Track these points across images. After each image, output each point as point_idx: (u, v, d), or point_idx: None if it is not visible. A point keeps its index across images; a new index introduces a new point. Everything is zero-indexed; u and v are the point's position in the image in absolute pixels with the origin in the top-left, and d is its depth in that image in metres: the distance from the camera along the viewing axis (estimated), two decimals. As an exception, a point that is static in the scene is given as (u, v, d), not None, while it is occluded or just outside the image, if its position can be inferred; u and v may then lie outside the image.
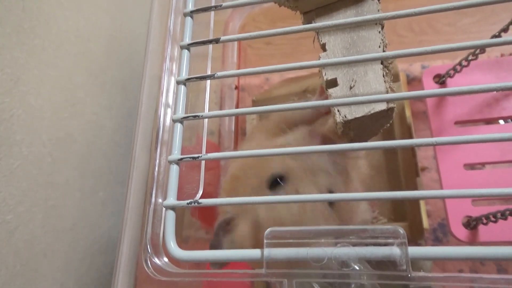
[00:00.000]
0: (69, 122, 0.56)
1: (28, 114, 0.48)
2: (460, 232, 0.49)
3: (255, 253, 0.27)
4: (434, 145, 0.27)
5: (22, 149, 0.47)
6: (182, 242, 0.48)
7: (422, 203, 0.58)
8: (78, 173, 0.58)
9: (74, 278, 0.57)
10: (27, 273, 0.48)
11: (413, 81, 0.74)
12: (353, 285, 0.32)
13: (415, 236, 0.54)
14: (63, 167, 0.55)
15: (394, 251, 0.25)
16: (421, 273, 0.24)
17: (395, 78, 0.60)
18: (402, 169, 0.57)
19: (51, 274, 0.52)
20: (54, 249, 0.53)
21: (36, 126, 0.50)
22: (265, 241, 0.27)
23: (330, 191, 0.37)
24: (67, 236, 0.56)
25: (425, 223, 0.57)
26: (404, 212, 0.55)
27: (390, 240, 0.25)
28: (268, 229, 0.27)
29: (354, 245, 0.25)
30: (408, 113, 0.63)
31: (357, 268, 0.26)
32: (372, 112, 0.32)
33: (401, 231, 0.25)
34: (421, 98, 0.67)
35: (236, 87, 0.72)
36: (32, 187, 0.49)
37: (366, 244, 0.25)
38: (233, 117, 0.68)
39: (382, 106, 0.32)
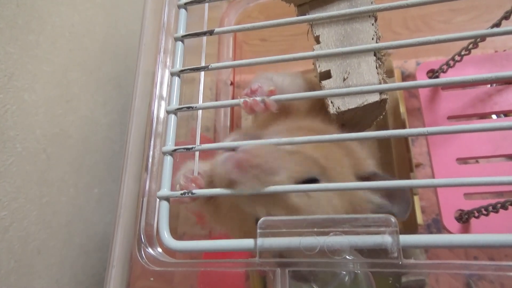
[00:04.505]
0: (64, 118, 0.56)
1: (22, 110, 0.48)
2: (453, 225, 0.49)
3: (248, 242, 0.27)
4: (426, 134, 0.27)
5: (16, 145, 0.47)
6: (178, 238, 0.48)
7: (416, 198, 0.59)
8: (73, 169, 0.58)
9: (69, 274, 0.56)
10: (21, 270, 0.48)
11: (408, 78, 0.74)
12: (347, 277, 0.32)
13: (409, 231, 0.54)
14: (57, 164, 0.55)
15: (386, 239, 0.25)
16: (412, 261, 0.24)
17: (390, 73, 0.60)
18: (396, 164, 0.58)
19: (45, 271, 0.52)
20: (48, 246, 0.53)
21: (30, 122, 0.50)
22: (258, 230, 0.27)
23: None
24: (62, 232, 0.55)
25: (419, 218, 0.58)
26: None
27: (382, 229, 0.25)
28: (262, 219, 0.27)
29: (347, 234, 0.25)
30: (402, 109, 0.63)
31: (349, 258, 0.27)
32: (365, 103, 0.32)
33: (393, 219, 0.26)
34: (413, 89, 0.67)
35: (232, 83, 0.72)
36: (26, 183, 0.49)
37: (358, 233, 0.25)
38: (228, 113, 0.68)
39: (375, 98, 0.33)
